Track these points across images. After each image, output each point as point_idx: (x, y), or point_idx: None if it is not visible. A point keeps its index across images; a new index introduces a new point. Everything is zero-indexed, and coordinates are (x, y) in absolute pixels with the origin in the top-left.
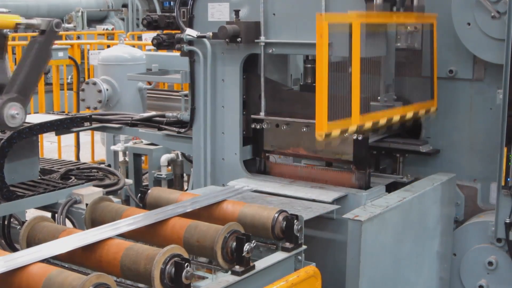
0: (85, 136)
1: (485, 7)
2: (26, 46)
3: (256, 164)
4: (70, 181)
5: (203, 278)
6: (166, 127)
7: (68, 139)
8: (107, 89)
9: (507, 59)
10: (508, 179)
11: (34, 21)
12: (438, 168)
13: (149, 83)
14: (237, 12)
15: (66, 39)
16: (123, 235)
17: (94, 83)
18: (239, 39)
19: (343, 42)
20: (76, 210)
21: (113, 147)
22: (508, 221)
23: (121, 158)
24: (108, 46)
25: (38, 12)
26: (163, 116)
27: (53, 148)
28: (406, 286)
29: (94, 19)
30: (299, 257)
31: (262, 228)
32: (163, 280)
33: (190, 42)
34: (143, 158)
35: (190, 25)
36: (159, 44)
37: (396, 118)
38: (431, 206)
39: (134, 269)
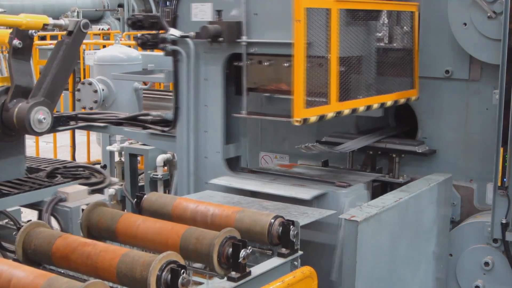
0: (81, 136)
1: (481, 7)
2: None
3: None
4: (56, 179)
5: (199, 283)
6: (150, 126)
7: (64, 139)
8: (102, 89)
9: (503, 59)
10: (505, 180)
11: (62, 21)
12: (434, 168)
13: (145, 83)
14: (219, 12)
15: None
16: (119, 241)
17: (90, 83)
18: (221, 39)
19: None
20: (61, 208)
21: (108, 148)
22: (504, 222)
23: (117, 158)
24: (104, 46)
25: (33, 12)
26: (148, 115)
27: (49, 148)
28: (402, 286)
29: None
30: (295, 263)
31: (258, 233)
32: (159, 286)
33: (174, 42)
34: (139, 158)
35: (174, 25)
36: (143, 44)
37: (376, 105)
38: (428, 206)
39: (130, 276)
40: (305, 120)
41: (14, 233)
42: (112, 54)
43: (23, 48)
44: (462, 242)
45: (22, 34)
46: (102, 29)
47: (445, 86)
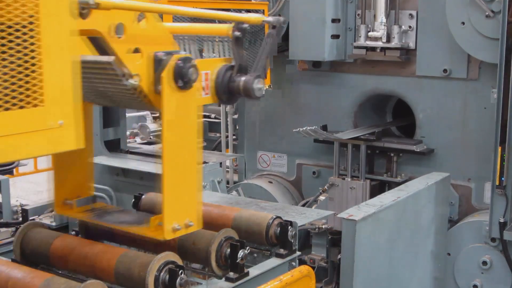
0: None
1: (479, 6)
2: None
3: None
4: None
5: (197, 284)
6: None
7: None
8: None
9: (501, 58)
10: (502, 179)
11: (270, 19)
12: (432, 167)
13: None
14: None
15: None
16: (117, 241)
17: None
18: None
19: None
20: None
21: None
22: (502, 221)
23: None
24: None
25: None
26: None
27: None
28: (400, 285)
29: None
30: (293, 263)
31: (256, 234)
32: (157, 287)
33: None
34: None
35: None
36: None
37: None
38: (426, 205)
39: (128, 276)
40: None
41: (12, 233)
42: None
43: (241, 37)
44: (460, 241)
45: (240, 27)
46: None
47: (443, 85)
